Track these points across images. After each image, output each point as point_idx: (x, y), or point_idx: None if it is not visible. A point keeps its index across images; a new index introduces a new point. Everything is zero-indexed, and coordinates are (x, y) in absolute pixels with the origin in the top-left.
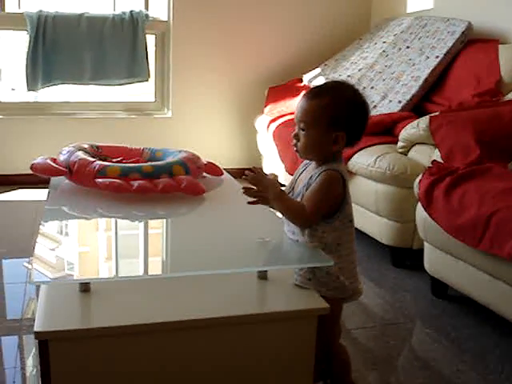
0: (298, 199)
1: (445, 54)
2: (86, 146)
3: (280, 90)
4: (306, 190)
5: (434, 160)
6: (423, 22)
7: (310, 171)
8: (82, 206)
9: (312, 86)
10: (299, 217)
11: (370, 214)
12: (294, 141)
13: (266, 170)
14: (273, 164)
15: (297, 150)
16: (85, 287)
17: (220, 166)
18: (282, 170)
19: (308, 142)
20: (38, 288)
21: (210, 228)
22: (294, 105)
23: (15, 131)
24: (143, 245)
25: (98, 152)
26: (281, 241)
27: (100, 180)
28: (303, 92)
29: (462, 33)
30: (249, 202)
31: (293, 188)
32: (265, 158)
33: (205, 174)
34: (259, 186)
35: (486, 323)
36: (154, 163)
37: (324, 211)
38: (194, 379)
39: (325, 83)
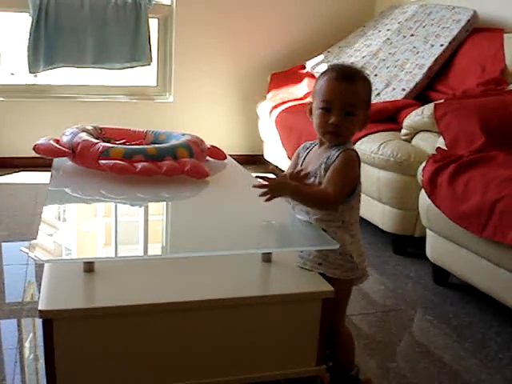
0: (313, 180)
1: (449, 43)
2: (89, 127)
3: (283, 77)
4: (325, 170)
5: (439, 147)
6: (428, 10)
7: (321, 152)
8: (85, 188)
9: (335, 69)
10: (324, 202)
11: (372, 201)
12: (333, 128)
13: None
14: (274, 150)
15: (336, 136)
16: (89, 267)
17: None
18: (283, 156)
19: (354, 126)
20: (37, 271)
21: (213, 210)
22: (296, 91)
23: (16, 114)
24: (146, 226)
25: (101, 134)
26: (286, 223)
27: (103, 161)
28: (328, 76)
29: (467, 21)
30: (266, 200)
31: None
32: (266, 144)
33: (208, 157)
34: (274, 193)
35: (488, 311)
36: (158, 145)
37: (348, 191)
38: (196, 360)
39: (341, 65)
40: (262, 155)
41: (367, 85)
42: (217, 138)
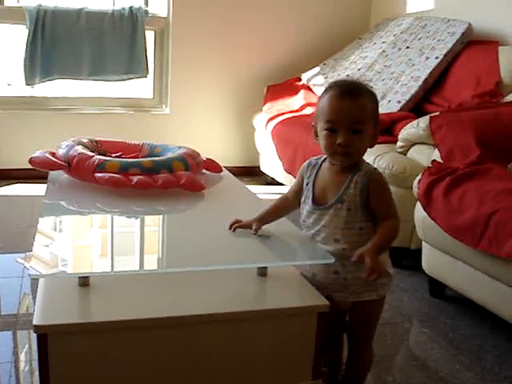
0: (339, 206)
1: (444, 55)
2: (85, 140)
3: (279, 89)
4: (362, 198)
5: (434, 160)
6: (423, 23)
7: (337, 174)
8: (80, 201)
9: (336, 86)
10: (396, 231)
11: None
12: (341, 149)
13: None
14: (271, 162)
15: (346, 157)
16: (84, 281)
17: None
18: (280, 168)
19: (363, 145)
20: (33, 283)
21: (209, 224)
22: (292, 103)
23: (12, 126)
24: (142, 240)
25: (97, 147)
26: (281, 237)
27: (99, 174)
28: (330, 94)
29: (462, 34)
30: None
31: (303, 195)
32: (262, 156)
33: (204, 170)
34: (380, 269)
35: (484, 324)
36: (153, 158)
37: None
38: (191, 376)
39: (342, 81)
40: (259, 167)
41: (372, 98)
42: (213, 150)
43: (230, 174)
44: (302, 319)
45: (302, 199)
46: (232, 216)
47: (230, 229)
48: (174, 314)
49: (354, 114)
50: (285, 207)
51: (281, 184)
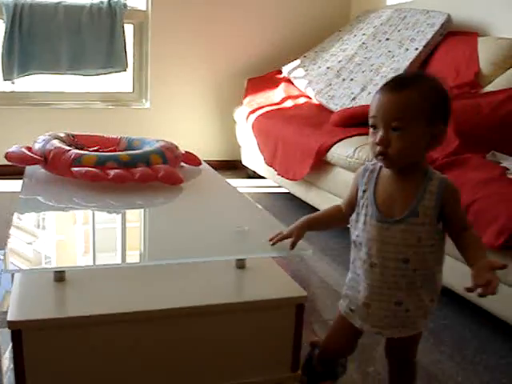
0: (418, 220)
1: (424, 46)
2: (61, 134)
3: (259, 82)
4: (439, 208)
5: None
6: (403, 14)
7: (397, 180)
8: (57, 196)
9: (388, 80)
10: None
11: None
12: (379, 148)
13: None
14: (252, 155)
15: (384, 158)
16: (59, 276)
17: (200, 158)
18: (261, 161)
19: (407, 145)
20: (13, 280)
21: (188, 217)
22: (273, 96)
23: None
24: (120, 234)
25: (73, 141)
26: (259, 229)
27: (76, 169)
28: (379, 89)
29: (442, 25)
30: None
31: (358, 206)
32: (244, 150)
33: (183, 163)
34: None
35: (464, 313)
36: (131, 152)
37: None
38: (169, 369)
39: (398, 75)
40: (240, 161)
41: (428, 92)
42: (194, 144)
43: (209, 167)
44: (280, 311)
45: (357, 210)
46: (210, 209)
47: (270, 241)
48: (150, 307)
49: (391, 109)
50: (337, 218)
51: (262, 177)
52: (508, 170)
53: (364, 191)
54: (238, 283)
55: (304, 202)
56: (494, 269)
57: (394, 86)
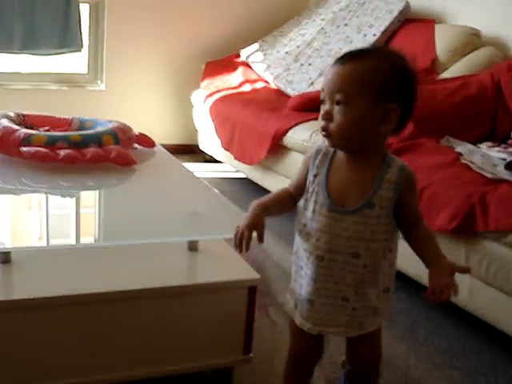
0: (373, 211)
1: (382, 32)
2: (11, 114)
3: (217, 65)
4: (396, 199)
5: None
6: (362, 0)
7: (359, 168)
8: (5, 176)
9: (344, 52)
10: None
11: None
12: (323, 123)
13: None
14: (209, 140)
15: (327, 135)
16: (5, 258)
17: (156, 141)
18: (218, 146)
19: (349, 120)
20: None
21: (140, 199)
22: (231, 80)
23: None
24: (72, 215)
25: (23, 121)
26: (211, 211)
27: (25, 149)
28: (333, 61)
29: (400, 12)
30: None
31: (308, 192)
32: (201, 134)
33: (136, 145)
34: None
35: (416, 297)
36: (82, 132)
37: None
38: (121, 353)
39: (362, 48)
40: (197, 145)
41: (382, 66)
42: (150, 128)
43: (164, 150)
44: (232, 294)
45: (305, 197)
46: (163, 191)
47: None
48: (101, 289)
49: (336, 81)
50: (287, 202)
51: (219, 162)
52: (461, 155)
53: (315, 176)
54: (191, 266)
55: (261, 187)
56: (456, 272)
57: (345, 58)
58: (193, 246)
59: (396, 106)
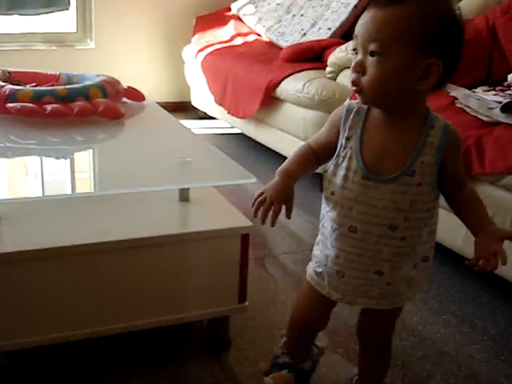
0: (413, 179)
1: None
2: None
3: (208, 20)
4: (439, 164)
5: None
6: None
7: (398, 129)
8: None
9: None
10: None
11: (298, 142)
12: (354, 75)
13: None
14: (202, 96)
15: (358, 90)
16: None
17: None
18: (211, 101)
19: (384, 74)
20: None
21: (131, 150)
22: (222, 34)
23: None
24: (65, 166)
25: (10, 77)
26: (203, 160)
27: (11, 104)
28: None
29: None
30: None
31: (338, 155)
32: (193, 90)
33: (125, 99)
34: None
35: None
36: (69, 86)
37: None
38: (116, 303)
39: None
40: (190, 102)
41: (425, 12)
42: (142, 85)
43: (154, 103)
44: (225, 242)
45: (336, 162)
46: (154, 142)
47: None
48: (92, 240)
49: (371, 28)
50: (314, 163)
51: (213, 118)
52: (456, 99)
53: (347, 139)
54: (182, 215)
55: (257, 143)
56: (506, 238)
57: (383, 0)
58: (184, 196)
59: (438, 60)
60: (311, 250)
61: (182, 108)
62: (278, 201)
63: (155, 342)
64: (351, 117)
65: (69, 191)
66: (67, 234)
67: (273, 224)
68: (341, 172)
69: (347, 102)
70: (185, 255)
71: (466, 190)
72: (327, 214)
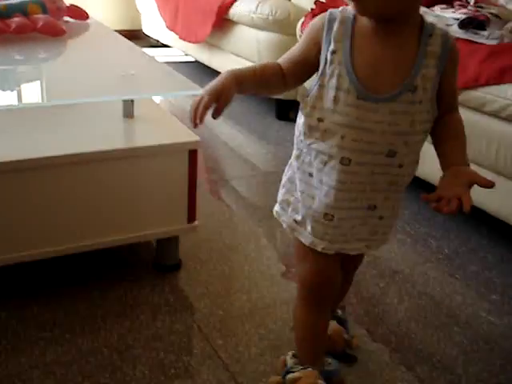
0: (415, 96)
1: None
2: None
3: None
4: (440, 74)
5: (317, 0)
6: None
7: (391, 38)
8: None
9: None
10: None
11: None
12: None
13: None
14: (153, 22)
15: None
16: None
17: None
18: (163, 27)
19: None
20: None
21: (73, 67)
22: None
23: None
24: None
25: None
26: (147, 74)
27: None
28: None
29: None
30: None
31: (325, 74)
32: (144, 17)
33: (68, 18)
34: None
35: None
36: (5, 1)
37: None
38: (61, 224)
39: None
40: (141, 30)
41: None
42: (90, 12)
43: (98, 21)
44: (172, 158)
45: (321, 81)
46: (97, 58)
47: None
48: (35, 155)
49: None
50: (275, 80)
51: (166, 46)
52: None
53: (333, 52)
54: (127, 131)
55: (211, 70)
56: (475, 184)
57: None
58: (128, 112)
59: None
60: (264, 174)
61: (134, 36)
62: (210, 95)
63: (103, 264)
64: (335, 28)
65: (15, 101)
66: (8, 148)
67: (200, 120)
68: (329, 93)
69: (328, 11)
70: (132, 172)
71: (453, 118)
72: (309, 147)
